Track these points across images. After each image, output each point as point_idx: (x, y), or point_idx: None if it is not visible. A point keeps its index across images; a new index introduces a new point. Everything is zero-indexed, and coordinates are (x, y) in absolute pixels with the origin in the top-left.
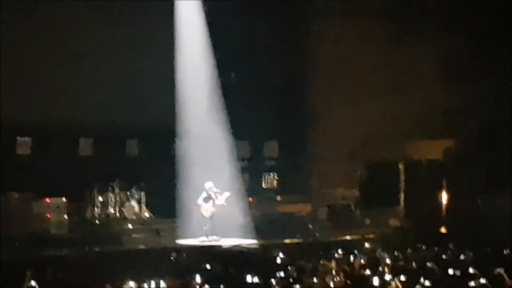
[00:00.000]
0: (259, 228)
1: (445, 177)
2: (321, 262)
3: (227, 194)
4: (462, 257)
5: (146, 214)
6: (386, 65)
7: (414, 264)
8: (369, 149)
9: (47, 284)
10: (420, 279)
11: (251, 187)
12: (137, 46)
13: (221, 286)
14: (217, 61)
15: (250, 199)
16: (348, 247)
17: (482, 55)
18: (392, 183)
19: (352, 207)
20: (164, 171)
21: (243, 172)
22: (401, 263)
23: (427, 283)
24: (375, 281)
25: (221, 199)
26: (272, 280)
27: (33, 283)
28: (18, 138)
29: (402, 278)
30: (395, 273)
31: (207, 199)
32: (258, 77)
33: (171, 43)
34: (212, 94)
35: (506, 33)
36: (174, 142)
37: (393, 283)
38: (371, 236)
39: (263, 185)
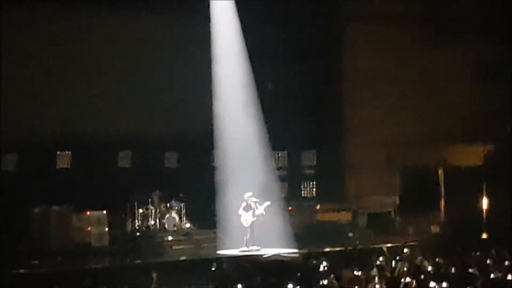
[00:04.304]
0: (299, 236)
1: (485, 182)
2: (362, 270)
3: (267, 203)
4: (506, 263)
5: (187, 225)
6: (422, 71)
7: (456, 270)
8: (408, 156)
9: None
10: (462, 285)
11: (290, 196)
12: (174, 60)
13: None
14: (254, 72)
15: (290, 208)
16: (389, 255)
17: None
18: (432, 189)
19: (392, 214)
20: (204, 182)
21: (282, 182)
22: (443, 269)
23: None
24: None
25: (260, 209)
26: None
27: None
28: (58, 152)
29: (444, 285)
30: (437, 280)
31: (247, 209)
32: (294, 87)
33: (207, 55)
34: (250, 105)
35: None
36: (213, 153)
37: None
38: (412, 243)
39: (302, 194)
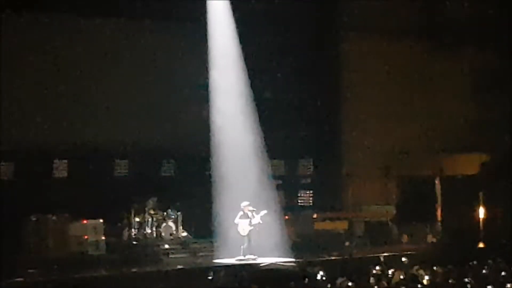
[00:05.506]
0: (296, 245)
1: (481, 191)
2: (358, 278)
3: (263, 212)
4: (503, 273)
5: (183, 234)
6: (419, 80)
7: (452, 280)
8: (405, 165)
9: None
10: None
11: (287, 205)
12: (171, 68)
13: None
14: (251, 80)
15: (287, 216)
16: (385, 264)
17: None
18: (429, 198)
19: (389, 223)
20: (200, 191)
21: (278, 190)
22: (440, 279)
23: None
24: None
25: (257, 218)
26: None
27: None
28: (54, 160)
29: None
30: None
31: (244, 217)
32: (291, 96)
33: (204, 64)
34: (247, 113)
35: None
36: (210, 162)
37: None
38: (409, 252)
39: (299, 203)
